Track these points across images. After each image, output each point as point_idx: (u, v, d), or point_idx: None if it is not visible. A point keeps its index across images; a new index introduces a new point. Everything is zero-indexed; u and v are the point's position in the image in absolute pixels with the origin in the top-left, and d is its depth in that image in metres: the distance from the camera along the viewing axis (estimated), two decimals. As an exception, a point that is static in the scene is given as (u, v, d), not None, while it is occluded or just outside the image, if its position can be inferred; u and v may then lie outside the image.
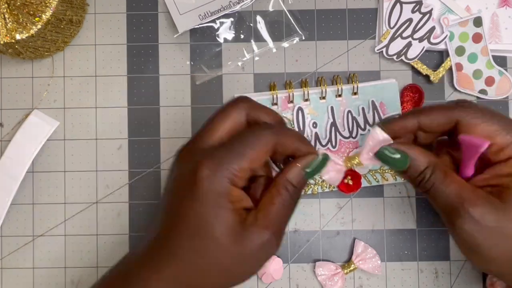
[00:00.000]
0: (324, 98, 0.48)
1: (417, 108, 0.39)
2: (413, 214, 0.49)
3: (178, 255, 0.33)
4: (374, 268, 0.48)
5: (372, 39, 0.50)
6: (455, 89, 0.49)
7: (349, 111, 0.48)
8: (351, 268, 0.48)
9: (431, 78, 0.49)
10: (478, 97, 0.49)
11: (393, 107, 0.48)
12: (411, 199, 0.49)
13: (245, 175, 0.34)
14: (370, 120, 0.48)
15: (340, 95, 0.48)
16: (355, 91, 0.48)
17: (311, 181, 0.48)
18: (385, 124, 0.38)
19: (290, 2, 0.50)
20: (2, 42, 0.43)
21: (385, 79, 0.49)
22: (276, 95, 0.48)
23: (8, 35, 0.43)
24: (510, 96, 0.49)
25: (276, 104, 0.48)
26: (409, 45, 0.49)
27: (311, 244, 0.49)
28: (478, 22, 0.48)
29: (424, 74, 0.49)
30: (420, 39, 0.49)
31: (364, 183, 0.48)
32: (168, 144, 0.50)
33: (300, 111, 0.48)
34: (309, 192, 0.48)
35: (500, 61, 0.49)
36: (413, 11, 0.49)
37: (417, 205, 0.49)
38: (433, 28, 0.48)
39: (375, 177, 0.48)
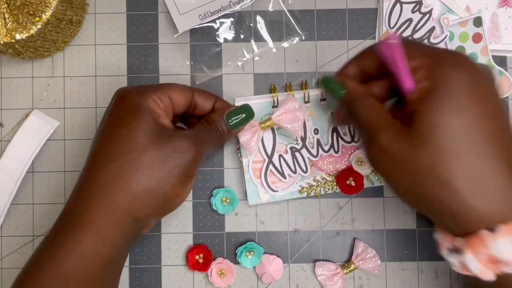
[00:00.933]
0: (324, 100, 0.48)
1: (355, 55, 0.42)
2: (413, 214, 0.49)
3: (104, 176, 0.37)
4: (374, 268, 0.48)
5: (372, 39, 0.50)
6: (455, 89, 0.49)
7: None
8: (351, 268, 0.48)
9: (431, 78, 0.49)
10: (478, 97, 0.49)
11: None
12: (411, 199, 0.49)
13: (165, 98, 0.40)
14: None
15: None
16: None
17: (314, 183, 0.48)
18: (325, 78, 0.42)
19: (290, 2, 0.50)
20: (2, 42, 0.43)
21: None
22: (277, 98, 0.48)
23: (8, 35, 0.43)
24: (510, 96, 0.49)
25: (277, 106, 0.48)
26: (409, 45, 0.49)
27: (311, 244, 0.49)
28: (478, 22, 0.48)
29: (424, 74, 0.49)
30: (420, 39, 0.49)
31: (366, 184, 0.48)
32: (168, 144, 0.50)
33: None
34: (312, 194, 0.48)
35: (500, 61, 0.49)
36: (413, 11, 0.49)
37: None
38: (433, 28, 0.48)
39: (377, 177, 0.48)
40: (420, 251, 0.49)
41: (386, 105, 0.40)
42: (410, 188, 0.35)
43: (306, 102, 0.48)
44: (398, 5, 0.49)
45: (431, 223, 0.43)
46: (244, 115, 0.43)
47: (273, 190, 0.48)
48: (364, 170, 0.47)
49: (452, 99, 0.33)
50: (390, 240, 0.49)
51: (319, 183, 0.48)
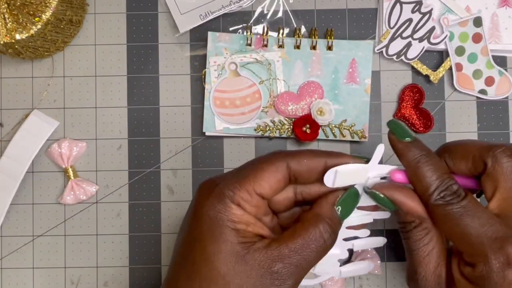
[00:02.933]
0: (298, 47, 0.48)
1: (447, 145, 0.36)
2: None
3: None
4: (374, 268, 0.48)
5: (372, 39, 0.50)
6: (455, 89, 0.49)
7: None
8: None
9: (431, 78, 0.49)
10: (478, 97, 0.49)
11: (365, 66, 0.49)
12: (411, 199, 0.49)
13: (251, 199, 0.31)
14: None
15: (315, 47, 0.48)
16: (329, 45, 0.48)
17: (270, 124, 0.48)
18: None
19: (290, 2, 0.50)
20: (2, 42, 0.43)
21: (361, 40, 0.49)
22: (251, 37, 0.49)
23: (8, 35, 0.43)
24: (510, 96, 0.49)
25: (250, 44, 0.49)
26: (409, 45, 0.49)
27: (311, 244, 0.49)
28: (478, 22, 0.48)
29: (424, 74, 0.49)
30: (420, 39, 0.49)
31: (321, 134, 0.48)
32: (168, 144, 0.50)
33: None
34: (267, 134, 0.48)
35: (500, 61, 0.49)
36: (413, 11, 0.49)
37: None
38: (433, 28, 0.48)
39: (333, 131, 0.48)
40: (420, 251, 0.49)
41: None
42: None
43: (279, 47, 0.49)
44: (398, 5, 0.49)
45: None
46: (356, 198, 0.34)
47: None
48: (322, 121, 0.48)
49: None
50: (390, 240, 0.49)
51: (276, 125, 0.48)
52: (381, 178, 0.34)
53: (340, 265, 0.38)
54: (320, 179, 0.33)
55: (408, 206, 0.33)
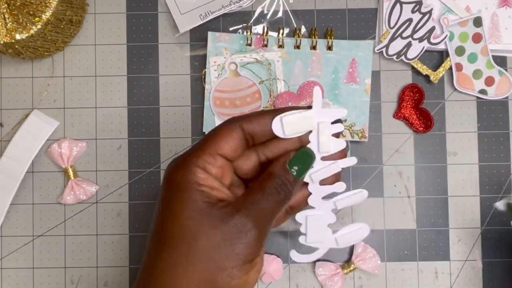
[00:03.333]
0: (298, 47, 0.48)
1: None
2: (413, 214, 0.49)
3: (156, 262, 0.32)
4: (374, 268, 0.48)
5: (372, 39, 0.50)
6: (455, 89, 0.49)
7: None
8: (351, 268, 0.48)
9: (431, 78, 0.49)
10: (478, 97, 0.49)
11: (365, 66, 0.49)
12: (411, 199, 0.49)
13: (215, 161, 0.33)
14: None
15: (315, 47, 0.48)
16: (329, 45, 0.48)
17: None
18: None
19: (290, 2, 0.50)
20: (2, 42, 0.43)
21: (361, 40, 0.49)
22: (251, 37, 0.49)
23: (8, 35, 0.43)
24: (510, 96, 0.49)
25: (250, 44, 0.49)
26: (409, 45, 0.49)
27: (311, 244, 0.49)
28: (478, 22, 0.48)
29: (424, 74, 0.49)
30: (420, 39, 0.49)
31: None
32: (168, 144, 0.50)
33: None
34: None
35: (500, 61, 0.49)
36: (413, 11, 0.49)
37: (417, 205, 0.49)
38: (433, 28, 0.48)
39: None
40: (420, 251, 0.49)
41: None
42: None
43: (279, 47, 0.49)
44: (398, 5, 0.49)
45: None
46: (307, 157, 0.35)
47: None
48: None
49: None
50: (390, 240, 0.49)
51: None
52: (332, 123, 0.35)
53: (333, 233, 0.38)
54: (274, 136, 0.35)
55: None
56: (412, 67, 0.49)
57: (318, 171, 0.35)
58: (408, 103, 0.49)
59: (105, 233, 0.49)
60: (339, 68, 0.49)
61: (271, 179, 0.34)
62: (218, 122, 0.49)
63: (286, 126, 0.34)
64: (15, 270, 0.49)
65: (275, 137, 0.35)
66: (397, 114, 0.49)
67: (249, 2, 0.49)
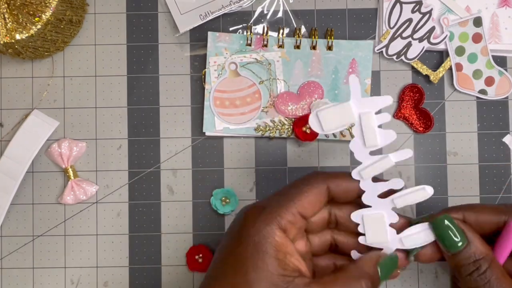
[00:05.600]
0: (298, 47, 0.48)
1: (465, 204, 0.36)
2: (413, 214, 0.49)
3: None
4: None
5: (372, 39, 0.50)
6: (455, 89, 0.49)
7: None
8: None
9: (431, 78, 0.49)
10: (478, 97, 0.49)
11: (365, 66, 0.49)
12: (411, 199, 0.49)
13: (296, 220, 0.32)
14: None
15: (314, 47, 0.48)
16: (329, 45, 0.48)
17: (270, 124, 0.47)
18: (445, 216, 0.34)
19: (290, 2, 0.50)
20: (2, 42, 0.43)
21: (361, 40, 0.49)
22: (251, 37, 0.49)
23: (8, 35, 0.43)
24: (510, 96, 0.49)
25: (250, 44, 0.49)
26: (409, 45, 0.49)
27: (311, 244, 0.49)
28: (478, 22, 0.48)
29: (424, 74, 0.49)
30: (420, 39, 0.49)
31: (321, 135, 0.48)
32: (168, 144, 0.50)
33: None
34: (267, 134, 0.48)
35: (500, 61, 0.49)
36: (413, 11, 0.49)
37: (417, 205, 0.49)
38: (433, 28, 0.48)
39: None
40: (420, 251, 0.49)
41: None
42: None
43: (279, 47, 0.49)
44: (398, 5, 0.49)
45: None
46: (395, 265, 0.34)
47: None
48: None
49: None
50: (390, 240, 0.49)
51: (276, 124, 0.48)
52: (376, 113, 0.32)
53: (398, 233, 0.34)
54: (353, 201, 0.34)
55: (479, 243, 0.33)
56: (412, 67, 0.49)
57: (368, 166, 0.33)
58: (408, 103, 0.49)
59: (105, 233, 0.49)
60: (339, 68, 0.49)
61: (360, 275, 0.32)
62: (218, 122, 0.49)
63: (323, 120, 0.32)
64: (15, 270, 0.49)
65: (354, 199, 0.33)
66: (397, 114, 0.49)
67: (249, 2, 0.49)
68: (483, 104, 0.49)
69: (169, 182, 0.49)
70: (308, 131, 0.48)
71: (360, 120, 0.32)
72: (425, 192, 0.33)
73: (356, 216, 0.34)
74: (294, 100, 0.49)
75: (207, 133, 0.49)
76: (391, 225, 0.34)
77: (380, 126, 0.32)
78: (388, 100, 0.31)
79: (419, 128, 0.49)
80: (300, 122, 0.48)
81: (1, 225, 0.49)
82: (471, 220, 0.34)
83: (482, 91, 0.49)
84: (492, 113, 0.49)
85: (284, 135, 0.49)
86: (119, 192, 0.49)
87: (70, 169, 0.49)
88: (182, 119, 0.50)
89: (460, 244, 0.32)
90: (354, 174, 0.33)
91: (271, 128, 0.49)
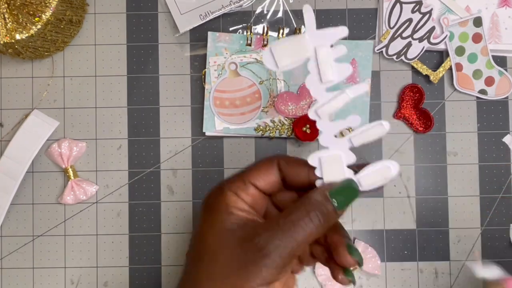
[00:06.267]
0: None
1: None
2: (413, 214, 0.49)
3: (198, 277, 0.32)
4: (374, 268, 0.48)
5: (372, 39, 0.50)
6: (455, 89, 0.49)
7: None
8: (351, 268, 0.48)
9: (431, 78, 0.49)
10: (478, 97, 0.49)
11: (365, 66, 0.48)
12: (411, 199, 0.49)
13: (247, 187, 0.33)
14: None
15: None
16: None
17: (270, 124, 0.48)
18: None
19: (290, 2, 0.50)
20: (2, 42, 0.43)
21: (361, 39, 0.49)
22: (251, 37, 0.49)
23: (8, 35, 0.43)
24: (510, 96, 0.49)
25: (250, 44, 0.49)
26: (409, 45, 0.49)
27: (311, 244, 0.49)
28: (478, 22, 0.48)
29: (424, 74, 0.49)
30: (420, 39, 0.49)
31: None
32: (168, 144, 0.50)
33: None
34: (267, 134, 0.48)
35: (500, 61, 0.49)
36: (413, 11, 0.49)
37: (417, 205, 0.49)
38: (433, 28, 0.48)
39: None
40: (420, 251, 0.49)
41: None
42: None
43: None
44: (398, 5, 0.49)
45: None
46: (352, 192, 0.34)
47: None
48: None
49: None
50: (390, 240, 0.49)
51: (276, 124, 0.48)
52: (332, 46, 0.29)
53: (355, 173, 0.32)
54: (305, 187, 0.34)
55: None
56: (412, 67, 0.49)
57: (325, 104, 0.31)
58: (408, 103, 0.49)
59: (105, 233, 0.49)
60: None
61: (308, 205, 0.31)
62: (218, 122, 0.49)
63: (278, 56, 0.30)
64: (15, 270, 0.49)
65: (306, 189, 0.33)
66: (397, 114, 0.49)
67: (249, 2, 0.49)
68: (483, 104, 0.49)
69: (169, 182, 0.49)
70: (308, 131, 0.48)
71: (316, 54, 0.30)
72: (382, 127, 0.31)
73: (313, 159, 0.33)
74: (294, 100, 0.49)
75: (207, 133, 0.49)
76: (350, 167, 0.33)
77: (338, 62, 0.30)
78: (344, 31, 0.30)
79: (419, 128, 0.49)
80: (300, 122, 0.48)
81: (1, 225, 0.49)
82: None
83: (482, 91, 0.49)
84: (492, 113, 0.49)
85: (284, 135, 0.49)
86: (119, 192, 0.49)
87: (70, 169, 0.49)
88: (182, 119, 0.50)
89: None
90: (311, 113, 0.31)
91: (271, 128, 0.49)
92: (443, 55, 0.50)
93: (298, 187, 0.35)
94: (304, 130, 0.48)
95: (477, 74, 0.49)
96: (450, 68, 0.49)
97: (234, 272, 0.31)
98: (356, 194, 0.33)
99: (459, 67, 0.49)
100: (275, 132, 0.49)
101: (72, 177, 0.49)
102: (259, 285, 0.30)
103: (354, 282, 0.35)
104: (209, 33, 0.49)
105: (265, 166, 0.34)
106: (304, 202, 0.32)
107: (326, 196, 0.32)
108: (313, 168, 0.33)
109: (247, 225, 0.32)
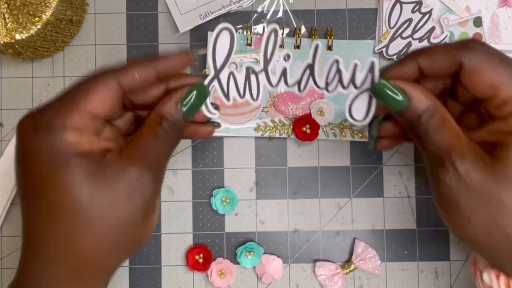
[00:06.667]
0: (298, 47, 0.48)
1: (418, 48, 0.34)
2: (413, 214, 0.49)
3: (45, 238, 0.30)
4: (374, 268, 0.48)
5: (372, 39, 0.50)
6: (455, 89, 0.49)
7: (336, 60, 0.38)
8: (351, 268, 0.48)
9: (431, 78, 0.49)
10: (478, 97, 0.49)
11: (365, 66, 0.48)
12: (411, 199, 0.49)
13: (86, 119, 0.30)
14: (358, 82, 0.37)
15: None
16: (329, 45, 0.48)
17: (270, 124, 0.48)
18: (382, 72, 0.34)
19: (290, 2, 0.50)
20: (2, 42, 0.43)
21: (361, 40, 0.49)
22: (251, 37, 0.49)
23: (8, 35, 0.43)
24: (510, 96, 0.49)
25: (250, 44, 0.49)
26: (409, 45, 0.49)
27: (311, 244, 0.49)
28: (478, 22, 0.48)
29: (424, 74, 0.49)
30: (420, 39, 0.49)
31: (321, 134, 0.48)
32: (168, 144, 0.50)
33: (273, 34, 0.39)
34: (266, 134, 0.48)
35: (500, 61, 0.49)
36: (413, 11, 0.49)
37: (417, 205, 0.49)
38: (433, 28, 0.48)
39: (333, 131, 0.49)
40: (420, 251, 0.49)
41: None
42: (481, 224, 0.30)
43: (279, 47, 0.48)
44: (398, 5, 0.49)
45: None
46: (201, 95, 0.34)
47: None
48: (322, 120, 0.48)
49: None
50: (390, 240, 0.49)
51: (276, 125, 0.48)
52: None
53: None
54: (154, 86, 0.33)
55: (421, 95, 0.32)
56: (412, 67, 0.49)
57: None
58: (408, 103, 0.49)
59: (105, 233, 0.49)
60: None
61: (162, 121, 0.31)
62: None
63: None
64: (15, 270, 0.49)
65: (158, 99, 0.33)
66: (397, 114, 0.49)
67: (249, 2, 0.49)
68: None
69: (169, 182, 0.49)
70: (308, 131, 0.48)
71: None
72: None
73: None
74: (294, 100, 0.49)
75: None
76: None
77: None
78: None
79: (419, 128, 0.49)
80: (300, 122, 0.48)
81: (1, 225, 0.49)
82: (426, 66, 0.32)
83: (482, 91, 0.49)
84: (492, 113, 0.49)
85: (284, 135, 0.49)
86: (119, 192, 0.49)
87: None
88: (182, 119, 0.50)
89: (402, 101, 0.32)
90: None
91: (271, 128, 0.49)
92: (443, 55, 0.50)
93: (144, 100, 0.33)
94: (304, 130, 0.48)
95: (477, 74, 0.49)
96: (450, 68, 0.49)
97: (111, 213, 0.29)
98: (206, 96, 0.34)
99: (459, 67, 0.49)
100: (275, 132, 0.49)
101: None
102: (145, 215, 0.31)
103: (218, 126, 0.38)
104: (209, 33, 0.49)
105: (103, 88, 0.31)
106: (159, 121, 0.31)
107: (175, 104, 0.32)
108: (163, 60, 0.33)
109: (110, 158, 0.30)
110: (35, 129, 0.29)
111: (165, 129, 0.31)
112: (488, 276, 0.34)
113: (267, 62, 0.38)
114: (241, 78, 0.38)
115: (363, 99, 0.36)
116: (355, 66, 0.37)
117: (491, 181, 0.30)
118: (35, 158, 0.29)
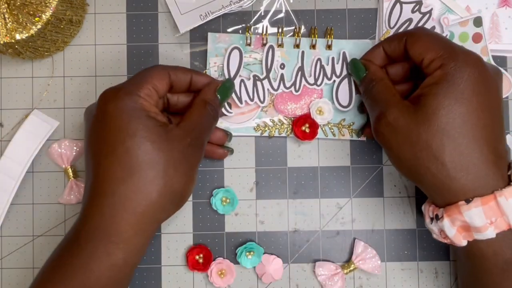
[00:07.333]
0: (298, 46, 0.48)
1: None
2: (413, 214, 0.49)
3: (116, 188, 0.38)
4: (374, 268, 0.48)
5: (372, 39, 0.50)
6: (455, 89, 0.49)
7: (318, 59, 0.48)
8: (351, 268, 0.48)
9: (431, 78, 0.49)
10: (478, 97, 0.49)
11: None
12: (411, 199, 0.49)
13: (153, 94, 0.40)
14: (338, 71, 0.48)
15: (314, 46, 0.49)
16: (329, 44, 0.48)
17: (270, 123, 0.48)
18: (353, 59, 0.46)
19: (290, 1, 0.50)
20: (2, 42, 0.43)
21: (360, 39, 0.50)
22: (251, 37, 0.49)
23: (8, 35, 0.43)
24: (510, 96, 0.49)
25: (249, 44, 0.49)
26: (409, 45, 0.49)
27: (311, 244, 0.49)
28: (478, 22, 0.48)
29: (424, 74, 0.49)
30: (420, 39, 0.48)
31: (320, 134, 0.48)
32: (168, 144, 0.50)
33: (271, 50, 0.48)
34: (266, 133, 0.49)
35: (500, 61, 0.49)
36: (413, 11, 0.49)
37: (417, 205, 0.49)
38: (433, 28, 0.48)
39: (332, 130, 0.49)
40: (420, 251, 0.49)
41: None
42: (407, 160, 0.39)
43: (279, 46, 0.49)
44: (398, 5, 0.49)
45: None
46: (231, 87, 0.46)
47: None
48: (321, 120, 0.48)
49: (458, 89, 0.38)
50: (390, 240, 0.49)
51: (275, 124, 0.48)
52: None
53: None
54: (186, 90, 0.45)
55: (374, 69, 0.45)
56: (412, 67, 0.49)
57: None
58: (408, 103, 0.49)
59: (105, 233, 0.49)
60: None
61: (206, 104, 0.43)
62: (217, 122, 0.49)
63: None
64: (15, 270, 0.49)
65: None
66: (397, 114, 0.49)
67: (249, 2, 0.49)
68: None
69: (169, 182, 0.49)
70: (307, 130, 0.48)
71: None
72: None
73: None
74: (294, 99, 0.49)
75: None
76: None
77: None
78: None
79: (419, 128, 0.49)
80: (300, 121, 0.48)
81: (1, 225, 0.49)
82: (388, 49, 0.44)
83: (482, 91, 0.49)
84: (492, 113, 0.49)
85: (283, 134, 0.49)
86: (119, 192, 0.49)
87: (70, 169, 0.49)
88: (182, 119, 0.50)
89: (362, 73, 0.45)
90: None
91: (270, 127, 0.49)
92: (443, 55, 0.50)
93: (178, 92, 0.44)
94: (303, 129, 0.48)
95: (477, 74, 0.49)
96: (450, 68, 0.49)
97: (171, 168, 0.38)
98: (232, 89, 0.46)
99: (459, 67, 0.49)
100: (275, 131, 0.49)
101: (72, 177, 0.49)
102: (192, 168, 0.41)
103: (231, 151, 0.48)
104: (209, 34, 0.49)
105: (160, 72, 0.42)
106: (200, 100, 0.43)
107: (215, 93, 0.44)
108: (197, 73, 0.44)
109: (171, 127, 0.40)
110: (116, 95, 0.39)
111: (208, 110, 0.42)
112: (423, 207, 0.42)
113: (268, 71, 0.48)
114: (250, 84, 0.48)
115: (345, 86, 0.48)
116: (333, 59, 0.48)
117: (413, 124, 0.38)
118: (117, 116, 0.38)
